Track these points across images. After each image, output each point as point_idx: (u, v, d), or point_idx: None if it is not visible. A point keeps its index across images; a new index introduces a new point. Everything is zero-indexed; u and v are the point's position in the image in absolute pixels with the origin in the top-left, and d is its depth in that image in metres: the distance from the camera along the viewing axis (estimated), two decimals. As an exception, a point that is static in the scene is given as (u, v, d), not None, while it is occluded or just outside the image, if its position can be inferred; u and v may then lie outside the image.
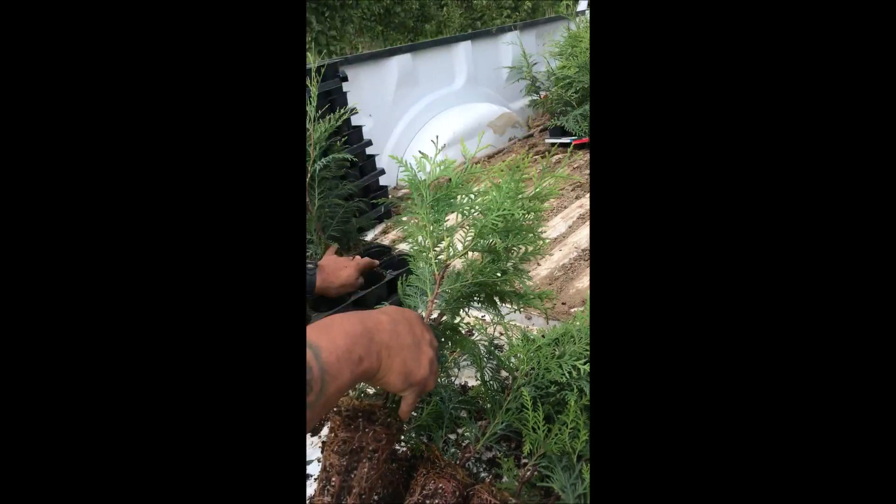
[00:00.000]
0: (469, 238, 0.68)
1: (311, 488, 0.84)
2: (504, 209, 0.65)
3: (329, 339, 0.52)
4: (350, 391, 0.73)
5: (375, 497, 0.67)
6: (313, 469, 0.90)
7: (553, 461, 0.72)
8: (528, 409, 0.78)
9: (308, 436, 0.90)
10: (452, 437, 0.86)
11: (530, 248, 0.73)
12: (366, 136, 1.91)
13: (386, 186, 2.00)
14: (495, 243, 0.68)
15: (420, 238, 0.71)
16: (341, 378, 0.51)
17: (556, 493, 0.72)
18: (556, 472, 0.71)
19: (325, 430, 0.97)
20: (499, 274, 0.74)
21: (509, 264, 0.75)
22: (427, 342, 0.62)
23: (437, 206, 0.69)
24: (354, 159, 1.49)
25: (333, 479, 0.63)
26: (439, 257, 0.71)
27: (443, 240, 0.70)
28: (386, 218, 1.99)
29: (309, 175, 1.23)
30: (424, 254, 0.72)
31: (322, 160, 1.23)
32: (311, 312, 1.12)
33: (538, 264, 1.40)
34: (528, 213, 0.68)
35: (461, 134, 2.58)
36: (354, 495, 0.63)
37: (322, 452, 0.66)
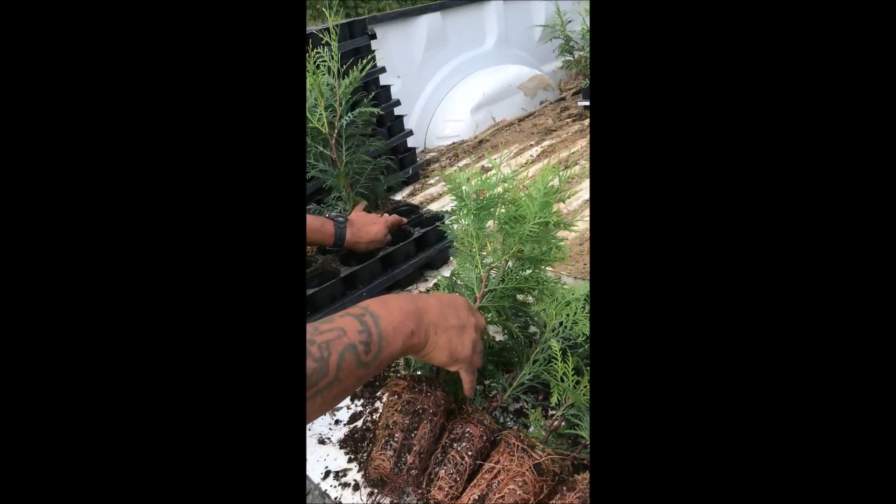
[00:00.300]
0: (507, 244, 0.78)
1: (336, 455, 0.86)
2: (538, 218, 0.73)
3: (387, 311, 0.58)
4: (402, 370, 0.78)
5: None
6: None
7: (581, 411, 0.71)
8: (557, 359, 0.77)
9: (349, 400, 0.94)
10: (479, 388, 0.86)
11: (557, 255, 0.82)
12: (394, 96, 1.88)
13: (414, 148, 1.98)
14: (527, 250, 0.78)
15: (467, 242, 0.81)
16: (394, 345, 0.57)
17: (584, 441, 0.72)
18: (584, 422, 0.70)
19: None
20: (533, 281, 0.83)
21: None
22: (472, 326, 0.67)
23: (479, 215, 0.78)
24: (380, 112, 1.47)
25: (397, 435, 0.68)
26: (485, 260, 0.80)
27: (486, 245, 0.79)
28: (413, 181, 1.97)
29: (336, 130, 1.22)
30: (472, 257, 0.81)
31: (349, 115, 1.21)
32: (340, 266, 1.13)
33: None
34: (558, 223, 0.78)
35: (491, 97, 2.51)
36: (414, 453, 0.68)
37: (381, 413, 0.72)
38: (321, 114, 1.18)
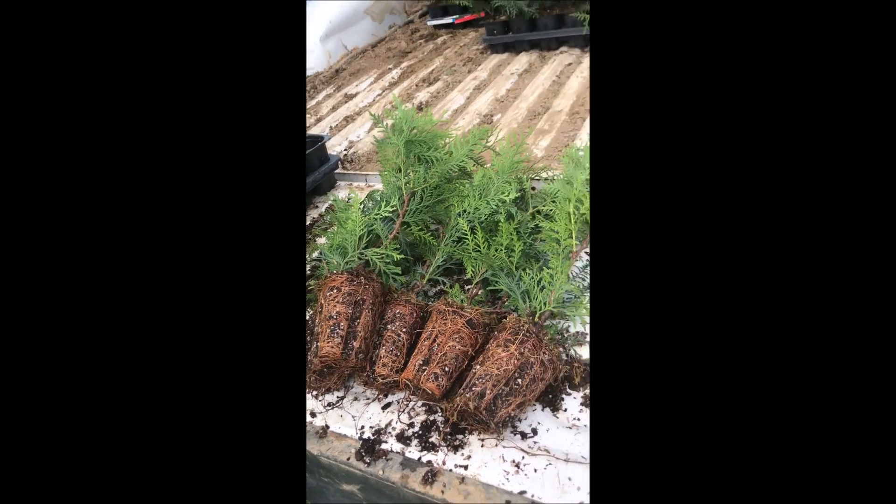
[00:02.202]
0: (429, 174, 0.90)
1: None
2: (461, 161, 0.90)
3: None
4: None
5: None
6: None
7: (496, 272, 0.79)
8: (467, 237, 0.83)
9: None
10: (403, 281, 0.90)
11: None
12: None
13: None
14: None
15: (394, 166, 0.91)
16: None
17: (503, 295, 0.80)
18: (500, 278, 0.78)
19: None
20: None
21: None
22: None
23: (408, 146, 0.88)
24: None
25: (342, 324, 0.71)
26: (407, 184, 0.89)
27: (410, 173, 0.90)
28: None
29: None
30: (396, 180, 0.89)
31: None
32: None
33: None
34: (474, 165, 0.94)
35: (338, 24, 2.40)
36: (360, 339, 0.71)
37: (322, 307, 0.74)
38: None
